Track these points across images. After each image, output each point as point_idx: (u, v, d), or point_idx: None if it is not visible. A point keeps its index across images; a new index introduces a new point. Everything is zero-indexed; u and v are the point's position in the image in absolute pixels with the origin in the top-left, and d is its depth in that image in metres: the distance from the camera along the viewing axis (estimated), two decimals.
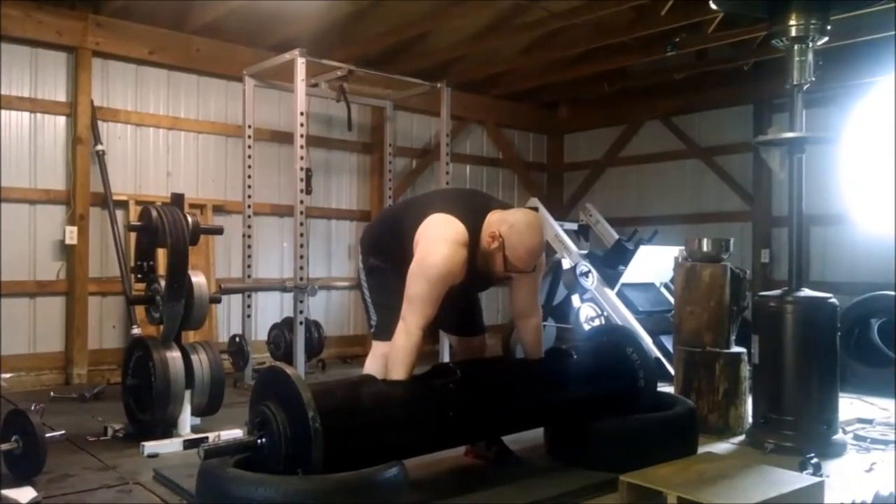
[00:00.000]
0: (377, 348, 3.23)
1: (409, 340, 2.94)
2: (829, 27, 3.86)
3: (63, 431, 3.71)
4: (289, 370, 2.65)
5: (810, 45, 3.87)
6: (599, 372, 3.54)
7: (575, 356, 3.54)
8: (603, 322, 5.92)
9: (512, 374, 3.41)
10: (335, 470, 2.47)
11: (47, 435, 3.23)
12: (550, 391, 3.35)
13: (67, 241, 5.54)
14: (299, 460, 2.49)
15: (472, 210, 3.11)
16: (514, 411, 3.23)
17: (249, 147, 5.66)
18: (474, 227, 3.05)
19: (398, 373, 2.92)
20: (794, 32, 3.84)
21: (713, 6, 4.28)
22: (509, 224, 3.02)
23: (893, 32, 5.49)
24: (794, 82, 3.91)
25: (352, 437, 2.65)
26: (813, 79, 3.91)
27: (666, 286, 6.43)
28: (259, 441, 2.57)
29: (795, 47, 3.88)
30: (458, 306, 3.30)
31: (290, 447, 2.50)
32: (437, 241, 2.99)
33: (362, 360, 6.68)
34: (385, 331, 3.14)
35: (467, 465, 3.42)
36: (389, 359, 2.99)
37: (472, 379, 3.08)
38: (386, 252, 3.30)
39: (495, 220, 3.06)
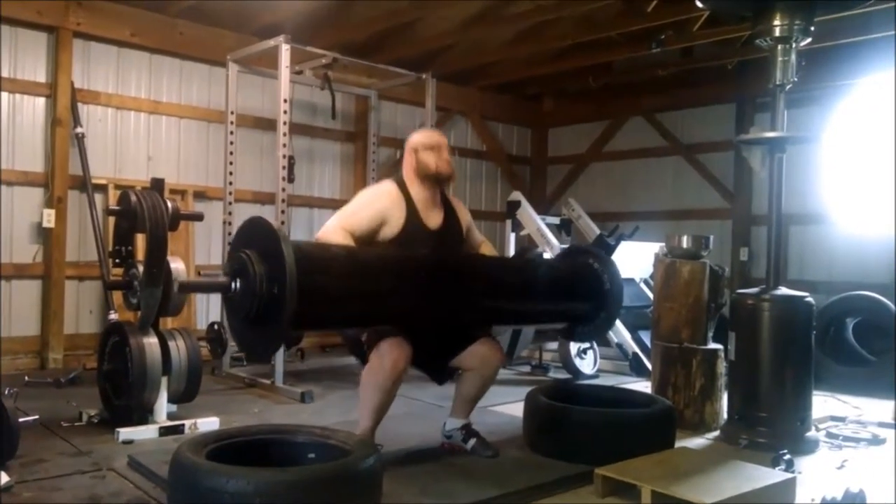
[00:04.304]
0: (373, 354, 3.17)
1: (330, 229, 3.14)
2: (812, 28, 3.89)
3: (37, 416, 3.69)
4: (267, 221, 2.69)
5: (794, 45, 3.90)
6: (564, 272, 3.72)
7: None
8: None
9: (477, 259, 3.54)
10: (308, 326, 2.65)
11: (21, 420, 3.20)
12: (519, 277, 3.50)
13: (45, 224, 5.47)
14: (272, 307, 2.50)
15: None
16: (482, 293, 3.26)
17: (232, 133, 5.61)
18: (398, 181, 3.41)
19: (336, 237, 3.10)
20: (777, 33, 3.86)
21: (699, 4, 4.30)
22: (407, 143, 3.46)
23: (871, 36, 5.56)
24: (777, 82, 3.94)
25: (325, 287, 2.69)
26: (795, 79, 3.94)
27: (646, 282, 6.47)
28: (233, 283, 2.59)
29: (779, 47, 3.91)
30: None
31: (263, 291, 2.51)
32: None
33: (342, 350, 6.72)
34: (378, 335, 3.15)
35: (444, 456, 3.43)
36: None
37: (440, 257, 3.29)
38: None
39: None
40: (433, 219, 3.38)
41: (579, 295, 3.61)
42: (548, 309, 3.59)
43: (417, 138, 3.44)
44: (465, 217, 3.58)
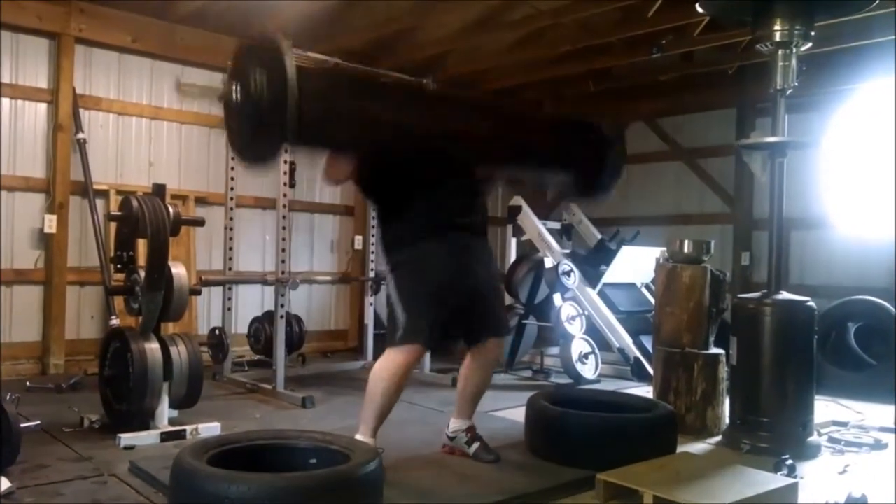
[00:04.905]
0: (392, 354, 3.16)
1: None
2: (813, 33, 3.89)
3: (38, 422, 3.69)
4: (269, 34, 2.67)
5: (794, 50, 3.90)
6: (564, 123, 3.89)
7: None
8: (584, 321, 5.94)
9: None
10: (310, 141, 2.69)
11: (22, 425, 3.20)
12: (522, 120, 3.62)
13: (46, 230, 5.47)
14: (274, 113, 2.47)
15: None
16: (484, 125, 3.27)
17: None
18: None
19: None
20: (778, 37, 3.86)
21: (699, 9, 4.31)
22: None
23: (871, 41, 5.56)
24: (778, 87, 3.94)
25: (324, 95, 2.68)
26: (796, 84, 3.94)
27: (647, 286, 6.47)
28: (234, 90, 2.57)
29: (779, 52, 3.91)
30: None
31: (264, 93, 2.48)
32: None
33: (343, 355, 6.73)
34: (408, 333, 3.12)
35: (445, 460, 3.42)
36: None
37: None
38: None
39: None
40: None
41: (581, 154, 3.63)
42: (553, 154, 3.59)
43: None
44: None
